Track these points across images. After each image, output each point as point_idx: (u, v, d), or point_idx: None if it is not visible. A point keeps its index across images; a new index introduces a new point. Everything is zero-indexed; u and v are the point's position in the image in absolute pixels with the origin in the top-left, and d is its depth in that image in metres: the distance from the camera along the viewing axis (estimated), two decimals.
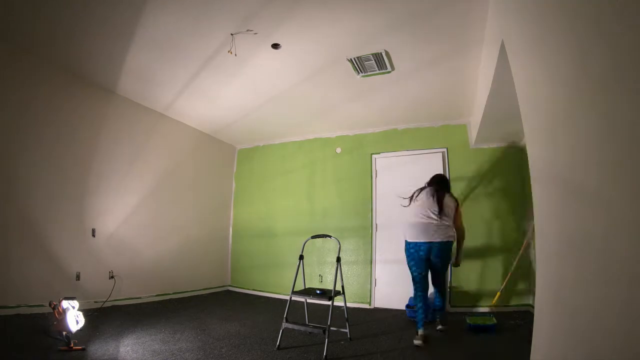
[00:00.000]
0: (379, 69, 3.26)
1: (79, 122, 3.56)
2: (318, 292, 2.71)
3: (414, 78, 3.43)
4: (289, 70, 3.35)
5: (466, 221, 4.08)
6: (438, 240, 2.83)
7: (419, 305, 2.83)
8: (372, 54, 3.01)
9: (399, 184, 4.52)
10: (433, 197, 2.97)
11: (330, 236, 2.93)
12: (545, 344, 1.38)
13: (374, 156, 4.80)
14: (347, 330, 2.81)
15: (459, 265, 3.24)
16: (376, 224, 4.57)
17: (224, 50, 2.96)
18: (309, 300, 3.00)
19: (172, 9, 2.50)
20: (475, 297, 3.96)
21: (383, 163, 4.73)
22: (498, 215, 4.03)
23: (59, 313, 2.33)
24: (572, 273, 1.13)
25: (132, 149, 4.11)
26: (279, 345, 2.51)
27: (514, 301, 3.83)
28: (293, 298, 2.66)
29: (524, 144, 3.96)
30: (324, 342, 2.37)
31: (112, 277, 3.75)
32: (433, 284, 3.12)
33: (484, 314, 3.57)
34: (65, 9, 2.50)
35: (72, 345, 2.26)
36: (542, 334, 1.44)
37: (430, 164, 4.38)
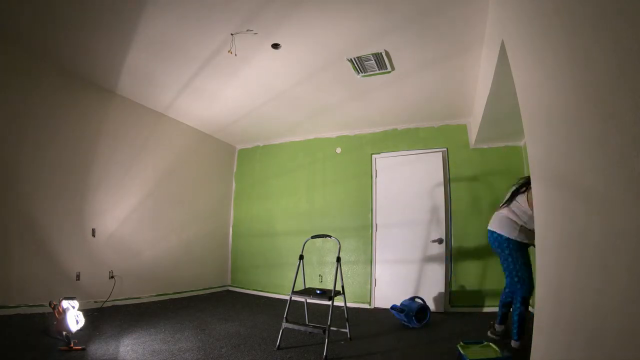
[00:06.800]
0: (379, 69, 3.26)
1: (79, 122, 3.56)
2: (318, 292, 2.71)
3: (414, 78, 3.43)
4: (289, 70, 3.35)
5: (466, 222, 4.11)
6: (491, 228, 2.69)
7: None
8: (372, 54, 3.01)
9: (399, 184, 4.53)
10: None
11: (330, 236, 2.93)
12: (545, 344, 1.38)
13: (374, 156, 4.79)
14: (347, 330, 2.81)
15: None
16: (376, 224, 4.57)
17: (224, 50, 2.96)
18: (309, 300, 3.00)
19: (173, 9, 2.50)
20: (475, 298, 3.96)
21: (383, 163, 4.73)
22: None
23: (59, 313, 2.34)
24: (572, 273, 1.13)
25: (132, 148, 4.12)
26: (279, 345, 2.51)
27: None
28: (293, 298, 2.66)
29: (524, 144, 3.96)
30: (324, 342, 2.37)
31: (112, 277, 3.75)
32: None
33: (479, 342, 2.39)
34: (66, 9, 2.50)
35: (72, 345, 2.26)
36: (542, 334, 1.44)
37: (431, 164, 4.37)
